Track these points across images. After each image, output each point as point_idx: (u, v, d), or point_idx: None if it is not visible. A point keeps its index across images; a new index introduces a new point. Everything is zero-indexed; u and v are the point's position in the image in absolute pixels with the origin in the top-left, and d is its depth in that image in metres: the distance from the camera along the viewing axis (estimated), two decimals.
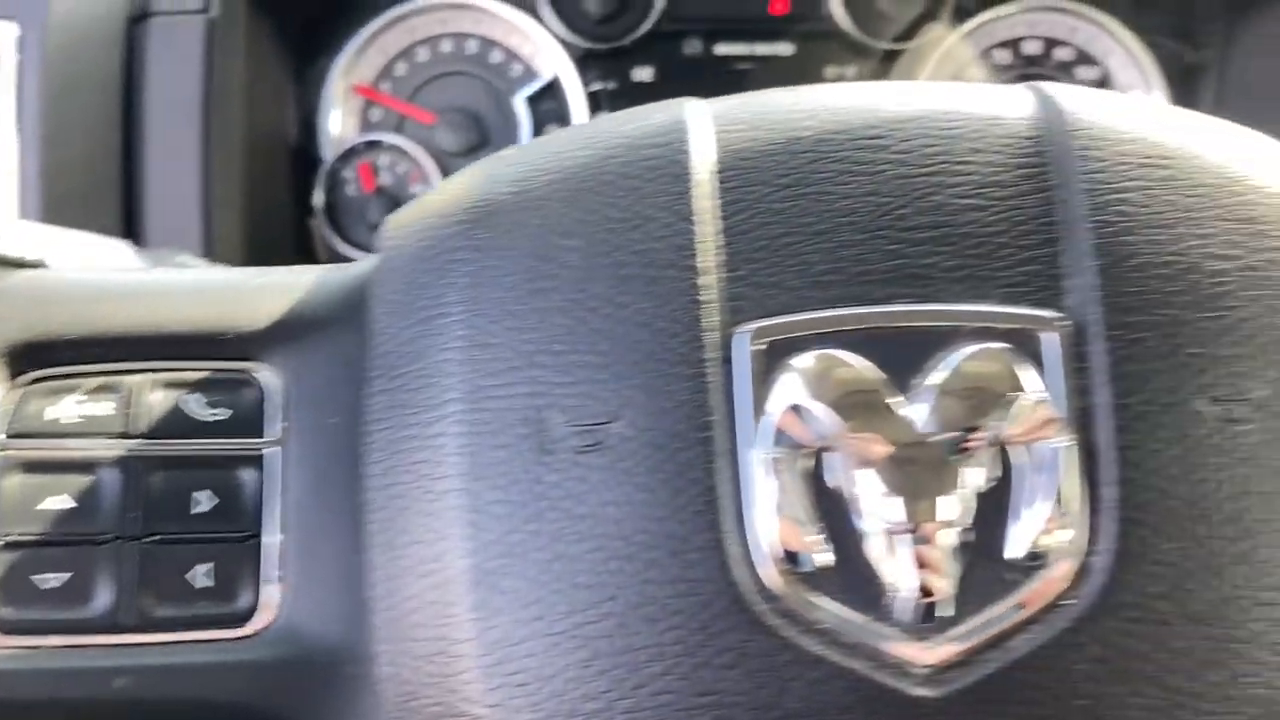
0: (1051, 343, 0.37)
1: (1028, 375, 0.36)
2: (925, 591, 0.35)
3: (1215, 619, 0.35)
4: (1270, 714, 0.35)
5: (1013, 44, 1.16)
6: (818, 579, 0.36)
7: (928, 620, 0.35)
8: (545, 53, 1.15)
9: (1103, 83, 1.15)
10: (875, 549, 0.35)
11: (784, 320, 0.37)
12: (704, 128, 0.41)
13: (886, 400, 0.36)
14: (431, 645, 0.37)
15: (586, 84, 1.17)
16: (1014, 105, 0.41)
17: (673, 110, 0.42)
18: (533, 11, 1.15)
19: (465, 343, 0.38)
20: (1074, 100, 0.41)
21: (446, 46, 1.16)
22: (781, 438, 0.36)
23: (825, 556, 0.36)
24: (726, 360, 0.37)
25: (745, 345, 0.37)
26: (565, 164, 0.41)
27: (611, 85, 1.17)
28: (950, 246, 0.38)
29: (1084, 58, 1.15)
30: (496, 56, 1.16)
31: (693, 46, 1.17)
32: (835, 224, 0.38)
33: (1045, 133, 0.40)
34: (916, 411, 0.36)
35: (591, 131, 0.43)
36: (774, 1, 1.16)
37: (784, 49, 1.17)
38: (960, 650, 0.35)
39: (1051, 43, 1.16)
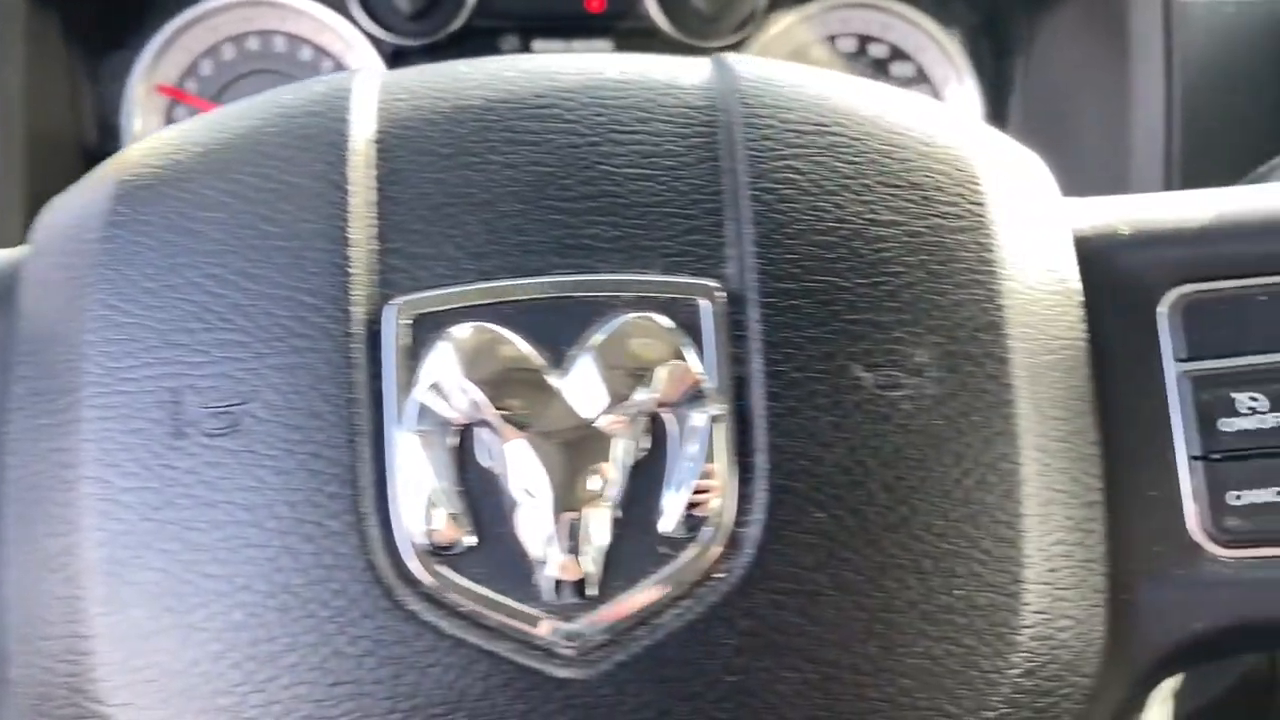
0: (708, 311, 0.36)
1: (684, 345, 0.35)
2: (572, 569, 0.34)
3: (870, 588, 0.34)
4: (924, 684, 0.35)
5: (827, 42, 1.16)
6: (462, 561, 0.34)
7: (574, 599, 0.34)
8: (356, 50, 1.13)
9: (917, 79, 1.17)
10: (522, 527, 0.34)
11: (436, 294, 0.36)
12: (367, 97, 0.39)
13: (539, 374, 0.35)
14: (62, 643, 0.35)
15: None
16: (690, 75, 0.40)
17: (338, 80, 0.41)
18: (342, 8, 1.12)
19: (102, 323, 0.36)
20: (750, 70, 0.40)
21: (253, 44, 1.13)
22: (428, 415, 0.35)
23: (470, 537, 0.34)
24: (374, 336, 0.35)
25: (393, 319, 0.35)
26: (219, 135, 0.39)
27: None
28: (613, 217, 0.37)
29: (898, 54, 1.17)
30: (306, 54, 1.13)
31: (509, 43, 1.16)
32: (496, 194, 0.37)
33: (715, 102, 0.39)
34: (569, 384, 0.35)
35: (256, 102, 0.41)
36: None
37: (602, 46, 1.16)
38: (607, 628, 0.34)
39: (865, 39, 1.17)
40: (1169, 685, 0.76)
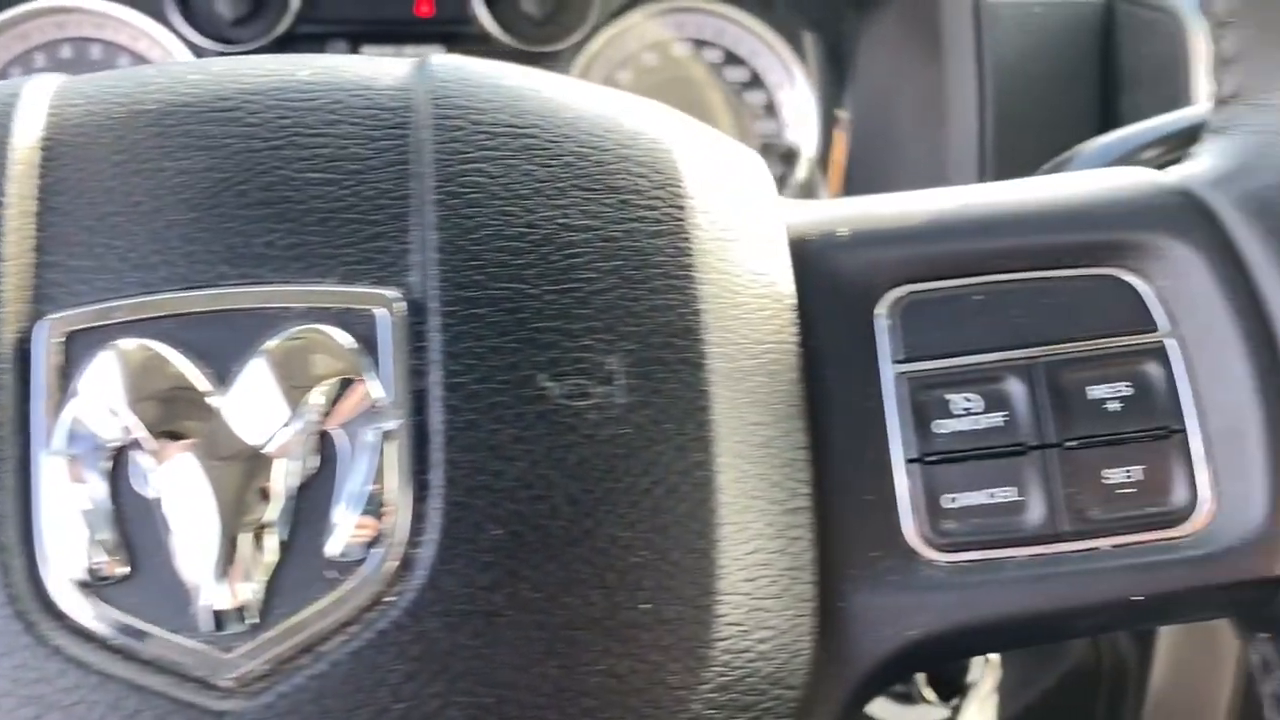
0: (385, 322, 0.34)
1: (360, 358, 0.34)
2: (231, 597, 0.32)
3: (551, 606, 0.33)
4: (608, 703, 0.33)
5: (662, 45, 1.16)
6: (114, 591, 0.32)
7: (235, 628, 0.32)
8: (176, 58, 1.09)
9: (751, 83, 1.17)
10: (179, 555, 0.32)
11: (93, 309, 0.34)
12: (36, 103, 0.37)
13: (201, 392, 0.33)
14: None
15: None
16: (386, 76, 0.39)
17: (8, 85, 0.38)
18: (160, 14, 1.09)
19: None
20: (449, 69, 0.39)
21: (66, 53, 1.09)
22: (80, 438, 0.33)
23: (123, 567, 0.32)
24: (25, 354, 0.33)
25: (44, 337, 0.33)
26: None
27: None
28: (290, 224, 0.35)
29: (732, 58, 1.17)
30: (123, 62, 1.10)
31: (337, 49, 1.13)
32: (166, 202, 0.35)
33: (408, 103, 0.38)
34: (232, 403, 0.33)
35: None
36: (419, 3, 1.13)
37: (435, 50, 1.14)
38: (267, 659, 0.32)
39: (700, 44, 1.16)
40: (990, 682, 0.77)
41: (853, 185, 1.14)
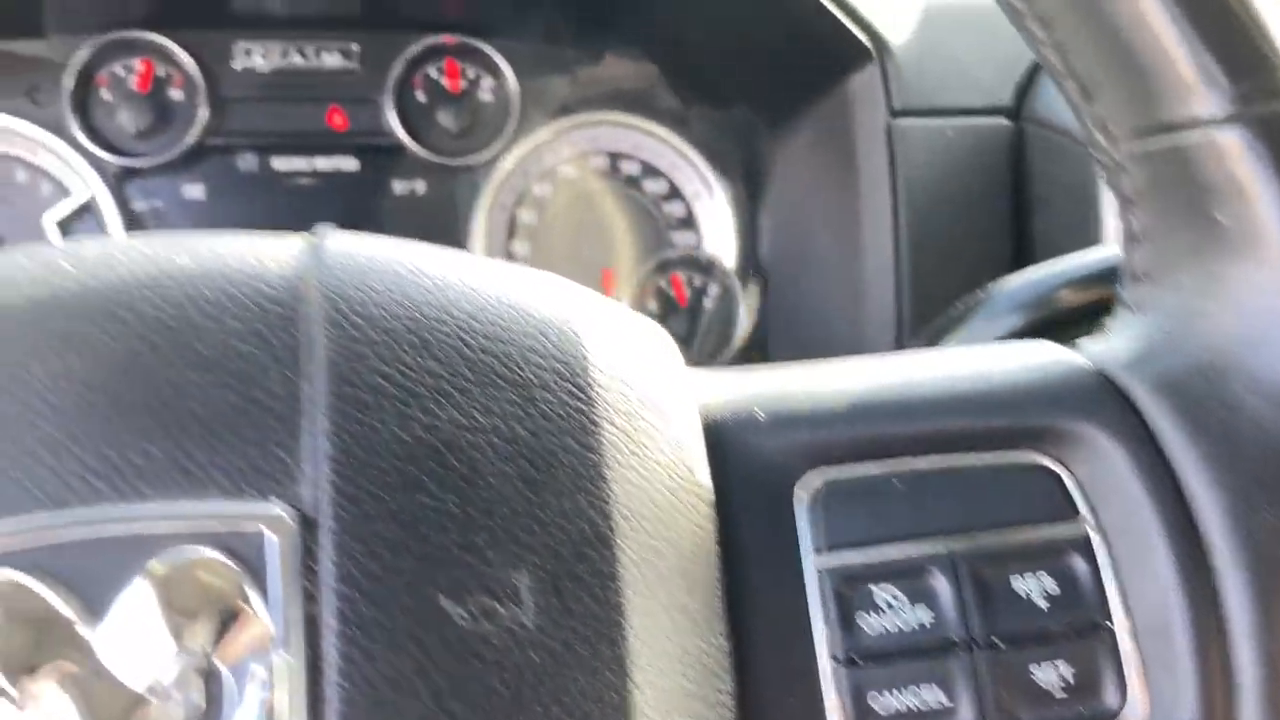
0: (273, 544, 0.32)
1: (246, 584, 0.31)
2: None
3: None
4: None
5: (580, 158, 1.15)
6: None
7: None
8: (78, 172, 1.06)
9: (669, 195, 1.16)
10: None
11: None
12: None
13: (71, 627, 0.30)
14: None
15: (129, 202, 1.08)
16: (275, 261, 0.37)
17: None
18: (60, 128, 1.05)
19: None
20: (341, 255, 0.37)
21: None
22: None
23: None
24: None
25: None
26: None
27: (158, 204, 1.09)
28: (170, 434, 0.33)
29: (650, 170, 1.16)
30: (21, 176, 1.06)
31: (247, 162, 1.11)
32: (35, 411, 0.33)
33: (297, 294, 0.35)
34: (106, 637, 0.30)
35: None
36: (331, 114, 1.12)
37: (348, 163, 1.13)
38: None
39: (617, 156, 1.16)
40: None
41: (771, 302, 1.14)
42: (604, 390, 0.36)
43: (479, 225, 1.13)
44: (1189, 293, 0.41)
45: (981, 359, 0.42)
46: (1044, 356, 0.42)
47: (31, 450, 0.32)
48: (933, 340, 0.69)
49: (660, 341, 0.41)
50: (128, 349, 0.34)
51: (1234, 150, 0.39)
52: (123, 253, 0.37)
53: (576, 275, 1.14)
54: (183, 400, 0.33)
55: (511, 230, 1.14)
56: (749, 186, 1.16)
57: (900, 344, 0.92)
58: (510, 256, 1.14)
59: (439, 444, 0.34)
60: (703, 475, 0.38)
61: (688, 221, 1.17)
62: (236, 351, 0.34)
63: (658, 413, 0.38)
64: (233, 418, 0.33)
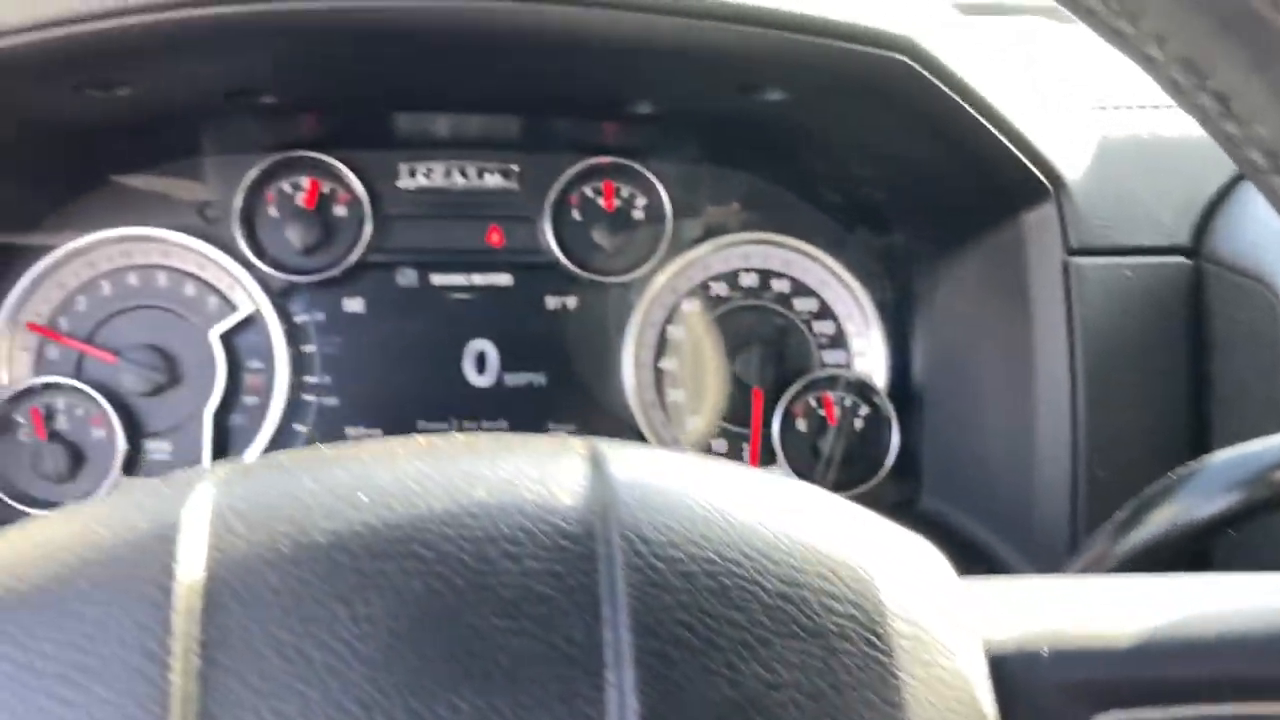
0: None
1: None
2: None
3: None
4: None
5: (730, 276, 1.15)
6: None
7: None
8: (244, 286, 1.08)
9: (820, 313, 1.16)
10: None
11: None
12: (195, 534, 0.35)
13: None
14: None
15: (292, 316, 1.10)
16: (566, 493, 0.36)
17: (163, 511, 0.36)
18: (228, 244, 1.08)
19: None
20: (632, 486, 0.37)
21: (133, 280, 1.08)
22: None
23: None
24: None
25: None
26: (20, 576, 0.34)
27: (319, 317, 1.11)
28: (476, 682, 0.32)
29: (800, 288, 1.16)
30: (190, 290, 1.09)
31: (407, 277, 1.13)
32: (341, 658, 0.32)
33: (593, 532, 0.35)
34: None
35: (72, 529, 0.36)
36: (490, 232, 1.13)
37: (502, 279, 1.14)
38: None
39: (768, 274, 1.16)
40: None
41: (925, 426, 1.12)
42: (901, 639, 0.35)
43: (630, 342, 1.13)
44: None
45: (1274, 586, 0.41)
46: None
47: (338, 702, 0.32)
48: (1138, 514, 0.66)
49: (938, 566, 0.40)
50: (428, 589, 0.34)
51: None
52: (415, 474, 0.36)
53: (725, 393, 1.13)
54: (486, 648, 0.33)
55: (661, 347, 1.14)
56: (902, 309, 1.14)
57: (1075, 482, 0.89)
58: (659, 373, 1.14)
59: (744, 702, 0.33)
60: (992, 717, 0.36)
61: (838, 340, 1.16)
62: (536, 594, 0.34)
63: (948, 654, 0.36)
64: (536, 668, 0.33)
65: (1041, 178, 0.88)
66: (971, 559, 0.99)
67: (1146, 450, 0.89)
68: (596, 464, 0.38)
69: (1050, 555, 0.90)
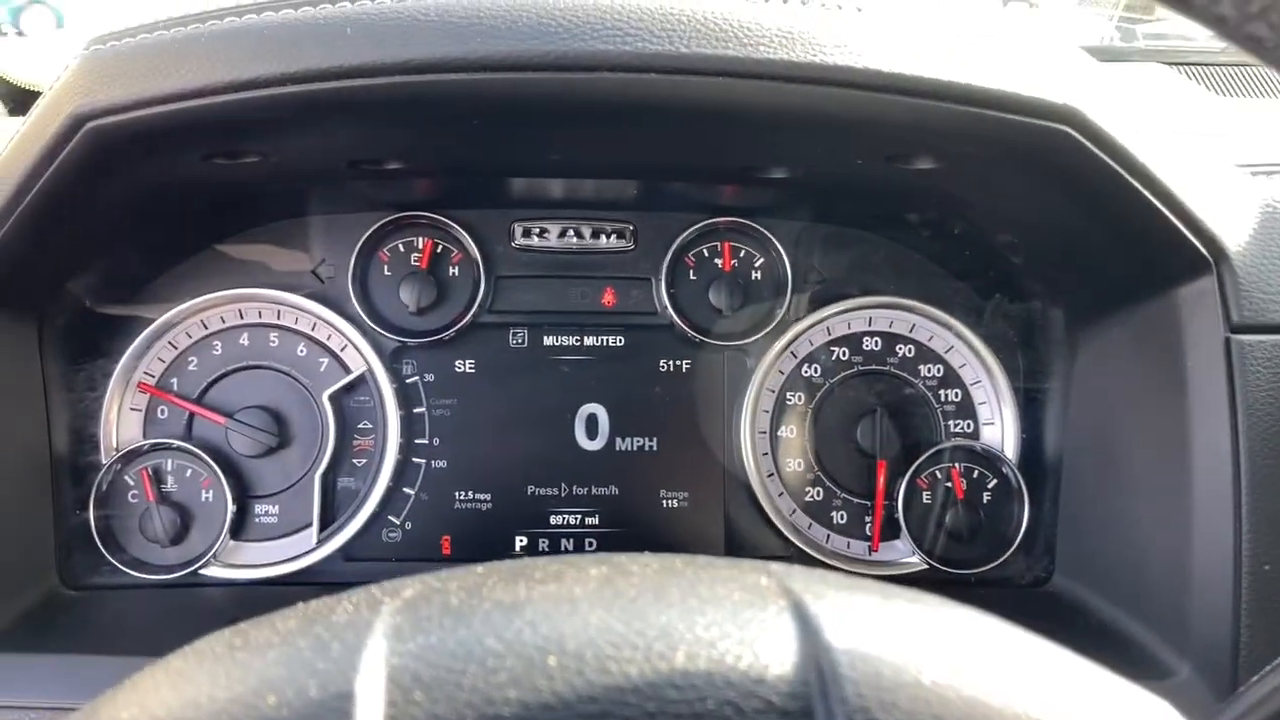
0: None
1: None
2: None
3: None
4: None
5: (851, 340, 1.11)
6: None
7: None
8: (356, 345, 1.06)
9: (945, 380, 1.11)
10: None
11: None
12: (373, 699, 0.31)
13: None
14: None
15: (404, 377, 1.08)
16: (778, 663, 0.32)
17: (336, 671, 0.32)
18: (340, 304, 1.06)
19: None
20: (852, 655, 0.33)
21: (244, 340, 1.06)
22: None
23: None
24: None
25: None
26: None
27: (430, 377, 1.09)
28: None
29: (925, 354, 1.11)
30: (301, 350, 1.07)
31: (518, 337, 1.10)
32: None
33: (813, 712, 0.31)
34: None
35: (243, 689, 0.33)
36: (606, 293, 1.10)
37: (615, 341, 1.10)
38: None
39: (892, 339, 1.11)
40: None
41: (1062, 504, 1.06)
42: None
43: (746, 407, 1.09)
44: None
45: None
46: None
47: None
48: None
49: None
50: None
51: None
52: (609, 640, 0.33)
53: (847, 461, 1.08)
54: None
55: (779, 413, 1.10)
56: (1036, 379, 1.09)
57: (1239, 575, 0.83)
58: (776, 440, 1.10)
59: None
60: None
61: (965, 409, 1.10)
62: None
63: None
64: None
65: (1202, 249, 0.83)
66: (1106, 645, 0.93)
67: None
68: (803, 617, 0.34)
69: (1208, 653, 0.84)
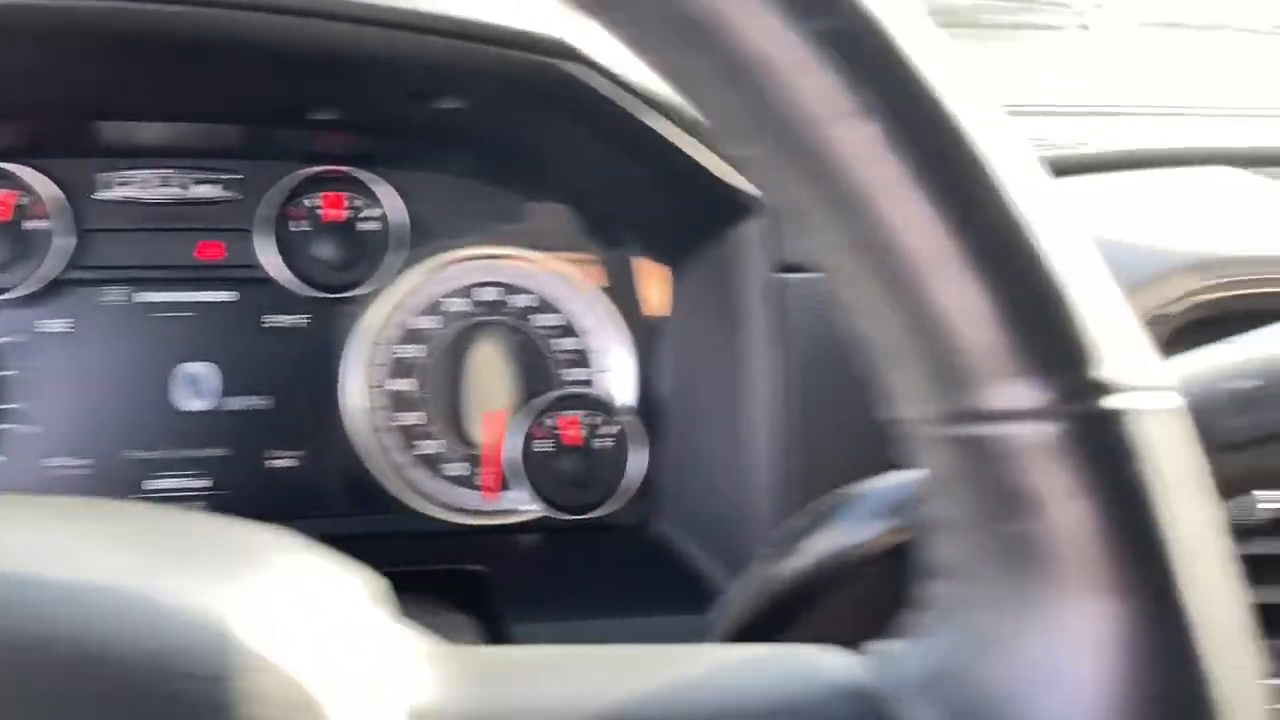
0: None
1: None
2: None
3: None
4: None
5: (466, 291, 1.10)
6: None
7: None
8: None
9: (565, 330, 1.11)
10: None
11: None
12: None
13: None
14: None
15: None
16: None
17: None
18: None
19: None
20: None
21: None
22: None
23: None
24: None
25: None
26: None
27: (19, 338, 1.03)
28: None
29: (544, 304, 1.11)
30: None
31: (111, 294, 1.05)
32: None
33: None
34: None
35: None
36: (202, 247, 1.06)
37: (219, 297, 1.07)
38: None
39: (509, 289, 1.11)
40: None
41: (663, 447, 1.08)
42: None
43: (356, 361, 1.07)
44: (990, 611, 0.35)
45: (740, 670, 0.36)
46: (819, 672, 0.36)
47: None
48: (796, 540, 0.63)
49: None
50: None
51: (1042, 450, 0.32)
52: None
53: (465, 413, 1.07)
54: None
55: (394, 367, 1.09)
56: (650, 326, 1.10)
57: (783, 502, 0.86)
58: (391, 394, 1.08)
59: None
60: None
61: (581, 358, 1.11)
62: None
63: None
64: None
65: (742, 193, 0.85)
66: (694, 587, 0.95)
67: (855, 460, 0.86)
68: None
69: None
